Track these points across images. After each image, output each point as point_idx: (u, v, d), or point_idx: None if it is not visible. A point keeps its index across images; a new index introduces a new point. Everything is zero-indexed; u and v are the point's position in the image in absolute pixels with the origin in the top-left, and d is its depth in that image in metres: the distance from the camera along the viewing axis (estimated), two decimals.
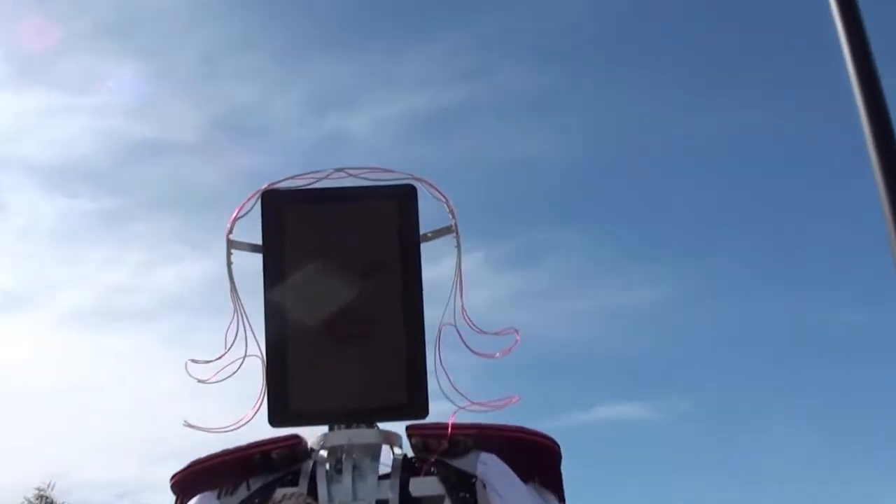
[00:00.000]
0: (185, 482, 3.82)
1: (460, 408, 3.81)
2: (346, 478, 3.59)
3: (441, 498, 3.54)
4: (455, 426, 3.71)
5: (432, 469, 3.66)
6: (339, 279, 3.84)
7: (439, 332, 3.88)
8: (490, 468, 3.58)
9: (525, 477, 3.67)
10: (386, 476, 3.69)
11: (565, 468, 3.80)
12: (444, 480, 3.59)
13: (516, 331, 3.86)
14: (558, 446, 3.80)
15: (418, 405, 3.75)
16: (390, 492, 3.57)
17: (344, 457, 3.70)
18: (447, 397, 3.81)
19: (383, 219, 3.92)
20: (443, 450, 3.68)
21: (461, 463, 3.63)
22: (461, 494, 3.54)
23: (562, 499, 3.79)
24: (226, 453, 3.77)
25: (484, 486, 3.52)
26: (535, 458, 3.74)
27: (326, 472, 3.64)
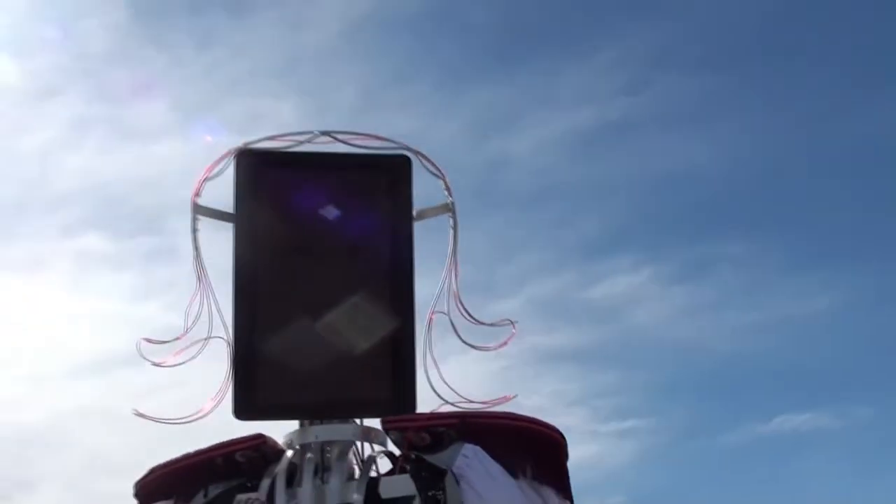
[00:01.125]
0: (146, 489, 3.37)
1: (447, 402, 3.43)
2: (307, 481, 3.17)
3: (412, 498, 3.15)
4: (434, 415, 3.32)
5: (406, 466, 3.27)
6: (319, 256, 3.41)
7: (430, 319, 3.48)
8: (470, 462, 3.20)
9: (516, 470, 3.30)
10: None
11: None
12: (415, 478, 3.20)
13: (512, 322, 3.50)
14: (561, 436, 3.44)
15: (404, 399, 3.34)
16: (355, 494, 3.16)
17: (310, 456, 3.28)
18: (436, 392, 3.42)
19: (373, 191, 3.50)
20: (424, 444, 3.29)
21: (440, 457, 3.24)
22: (430, 493, 3.16)
23: (567, 496, 3.44)
24: (186, 457, 3.32)
25: (458, 481, 3.14)
26: (530, 448, 3.37)
27: (288, 474, 3.22)
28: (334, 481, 3.18)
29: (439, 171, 3.56)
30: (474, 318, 3.50)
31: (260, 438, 3.30)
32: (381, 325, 3.35)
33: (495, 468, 3.20)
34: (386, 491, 3.19)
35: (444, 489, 3.15)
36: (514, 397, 3.44)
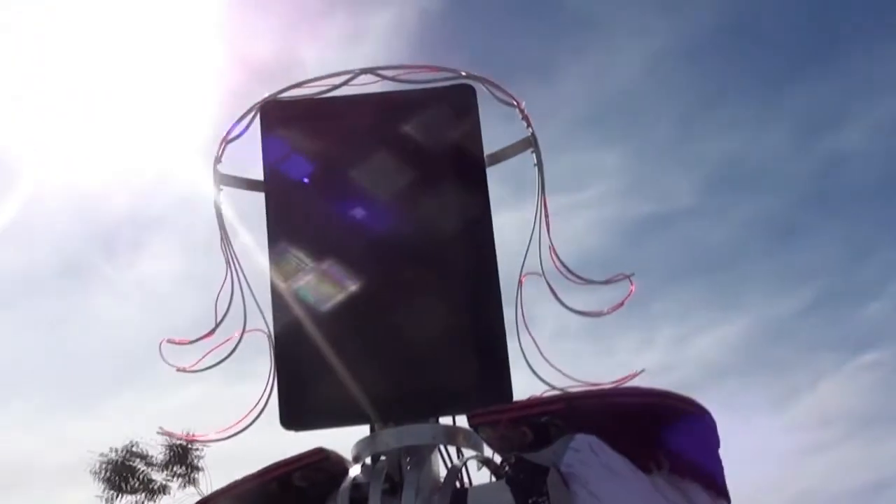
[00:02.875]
0: None
1: (553, 388, 2.65)
2: (375, 500, 2.40)
3: None
4: (532, 401, 2.53)
5: (505, 469, 2.48)
6: (373, 219, 2.71)
7: (520, 284, 2.72)
8: (582, 456, 2.37)
9: (647, 462, 2.47)
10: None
11: None
12: (512, 483, 2.40)
13: (629, 277, 2.71)
14: (707, 414, 2.58)
15: (495, 387, 2.57)
16: None
17: (378, 467, 2.54)
18: (536, 375, 2.64)
19: (433, 133, 2.78)
20: (525, 441, 2.50)
21: (543, 454, 2.43)
22: (532, 500, 2.34)
23: (720, 491, 2.57)
24: (231, 487, 2.62)
25: (566, 482, 2.33)
26: (664, 433, 2.52)
27: (356, 493, 2.47)
28: (408, 496, 2.41)
29: (513, 98, 2.83)
30: (579, 277, 2.72)
31: (320, 454, 2.57)
32: (459, 299, 2.62)
33: (617, 462, 2.38)
34: (477, 503, 2.42)
35: (547, 494, 2.35)
36: (641, 373, 2.63)
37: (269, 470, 2.65)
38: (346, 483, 2.48)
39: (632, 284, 2.70)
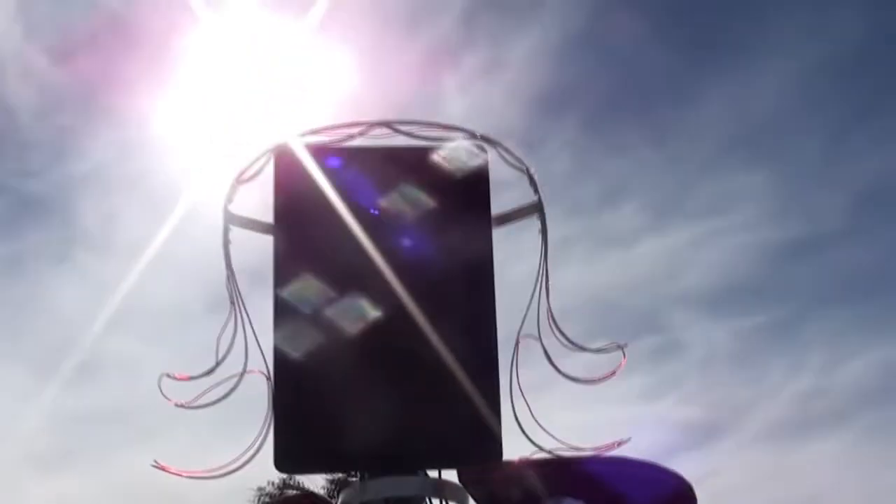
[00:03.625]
0: None
1: (543, 450, 2.72)
2: None
3: None
4: (524, 463, 2.62)
5: None
6: (377, 273, 2.77)
7: (517, 346, 2.80)
8: None
9: None
10: None
11: None
12: None
13: (621, 347, 2.79)
14: (689, 488, 2.70)
15: (487, 445, 2.65)
16: None
17: None
18: (527, 437, 2.72)
19: (442, 189, 2.85)
20: (513, 501, 2.59)
21: None
22: None
23: None
24: None
25: None
26: (652, 501, 2.63)
27: None
28: None
29: (522, 163, 2.91)
30: (574, 343, 2.80)
31: (309, 499, 2.64)
32: (456, 357, 2.68)
33: None
34: None
35: None
36: (627, 441, 2.72)
37: None
38: None
39: (624, 356, 2.78)
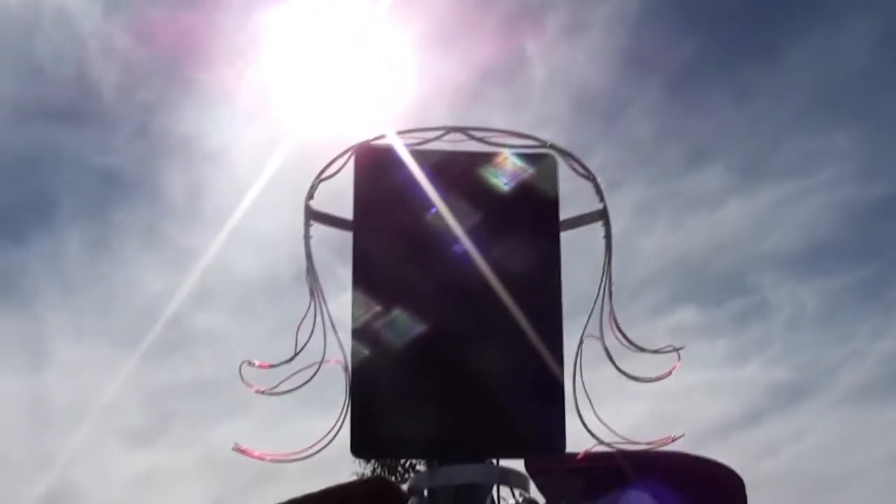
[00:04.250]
0: None
1: (603, 443, 2.88)
2: None
3: None
4: (589, 455, 2.78)
5: None
6: (452, 271, 2.92)
7: (580, 345, 2.95)
8: None
9: None
10: None
11: None
12: None
13: (677, 350, 2.95)
14: (741, 484, 2.86)
15: (551, 437, 2.81)
16: None
17: (442, 502, 2.76)
18: (588, 431, 2.87)
19: (514, 193, 3.01)
20: (576, 491, 2.74)
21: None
22: None
23: None
24: (304, 500, 2.82)
25: None
26: (708, 495, 2.79)
27: None
28: None
29: (589, 172, 3.06)
30: (635, 345, 2.95)
31: (381, 482, 2.80)
32: (525, 353, 2.84)
33: None
34: None
35: None
36: (680, 437, 2.87)
37: (329, 492, 2.86)
38: None
39: (679, 359, 2.94)
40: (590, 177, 3.05)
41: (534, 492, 2.85)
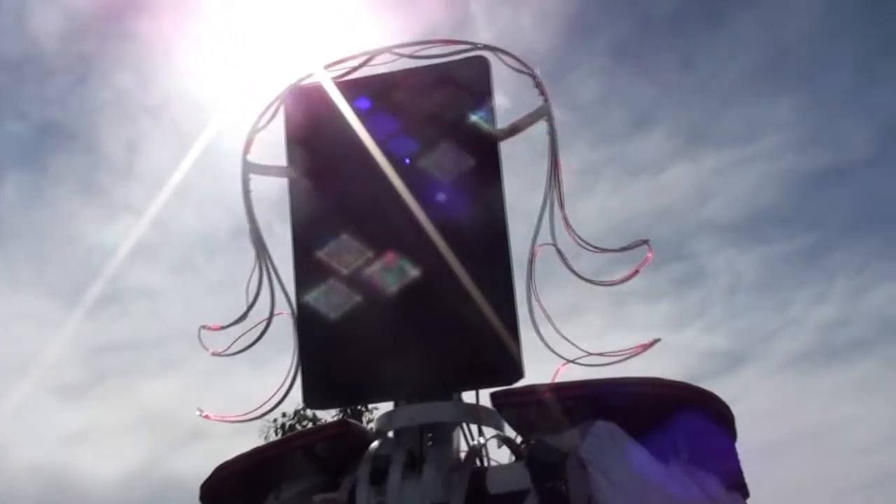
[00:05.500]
0: (211, 492, 2.81)
1: (570, 362, 2.60)
2: (396, 475, 2.45)
3: (527, 493, 2.34)
4: (557, 386, 2.50)
5: (526, 451, 2.48)
6: (392, 204, 2.73)
7: (532, 256, 2.67)
8: (602, 442, 2.33)
9: (666, 451, 2.39)
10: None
11: None
12: (531, 466, 2.39)
13: (646, 242, 2.61)
14: (725, 408, 2.50)
15: (506, 365, 2.56)
16: (454, 492, 2.40)
17: (401, 442, 2.59)
18: (548, 347, 2.60)
19: (447, 108, 2.76)
20: (547, 423, 2.48)
21: (564, 439, 2.41)
22: (549, 484, 2.33)
23: (735, 485, 2.48)
24: (256, 452, 2.74)
25: (585, 467, 2.29)
26: (684, 424, 2.44)
27: (378, 468, 2.52)
28: (428, 474, 2.45)
29: (526, 66, 2.76)
30: (594, 246, 2.64)
31: (343, 426, 2.66)
32: (472, 279, 2.60)
33: (634, 450, 2.33)
34: (494, 484, 2.44)
35: (565, 478, 2.33)
36: (657, 342, 2.54)
37: (292, 438, 2.76)
38: (368, 455, 2.55)
39: (650, 250, 2.59)
40: (527, 71, 2.76)
41: (508, 429, 2.62)
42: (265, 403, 2.72)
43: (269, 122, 2.90)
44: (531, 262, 2.65)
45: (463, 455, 2.61)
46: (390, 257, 2.68)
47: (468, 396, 2.66)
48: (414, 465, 2.55)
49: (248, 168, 2.90)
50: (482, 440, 2.61)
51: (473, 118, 2.72)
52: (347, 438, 2.66)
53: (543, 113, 2.74)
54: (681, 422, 2.42)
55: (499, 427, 2.63)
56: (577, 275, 2.63)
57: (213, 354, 2.81)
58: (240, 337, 2.80)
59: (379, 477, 2.49)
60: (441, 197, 2.69)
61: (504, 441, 2.62)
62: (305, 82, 2.90)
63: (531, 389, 2.49)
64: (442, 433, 2.61)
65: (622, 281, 2.62)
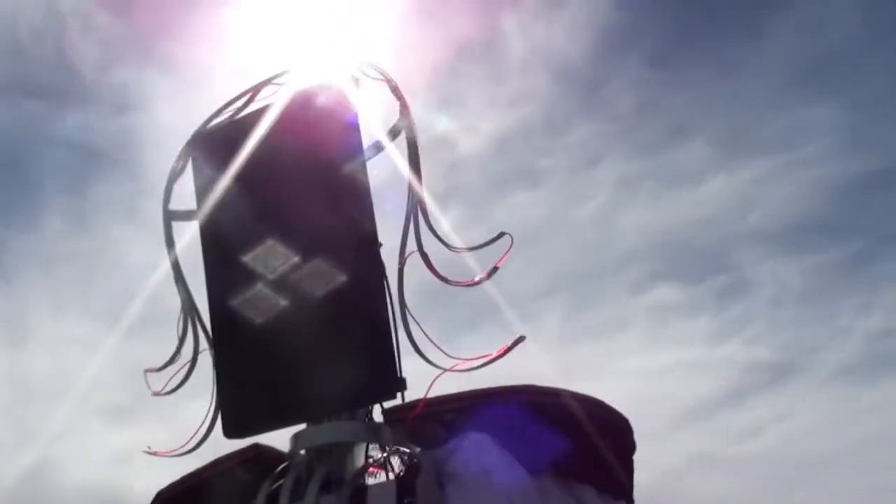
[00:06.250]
0: None
1: (446, 370, 2.57)
2: (285, 492, 2.55)
3: None
4: (436, 400, 2.50)
5: (397, 467, 2.51)
6: (281, 234, 2.79)
7: (402, 266, 2.66)
8: (465, 457, 2.31)
9: (538, 463, 2.33)
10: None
11: None
12: (398, 481, 2.41)
13: (506, 234, 2.54)
14: (617, 418, 2.41)
15: (383, 381, 2.57)
16: None
17: (297, 462, 2.68)
18: (421, 355, 2.59)
19: (315, 135, 2.80)
20: (436, 437, 2.49)
21: (436, 453, 2.41)
22: (406, 501, 2.33)
23: (621, 494, 2.38)
24: (194, 475, 2.91)
25: (441, 484, 2.28)
26: (558, 434, 2.37)
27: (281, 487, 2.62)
28: (311, 489, 2.53)
29: (384, 74, 2.75)
30: (455, 247, 2.60)
31: (253, 451, 2.77)
32: (353, 307, 2.66)
33: (499, 462, 2.30)
34: (373, 501, 2.48)
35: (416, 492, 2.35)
36: (522, 340, 2.47)
37: (213, 465, 2.89)
38: (290, 479, 2.64)
39: (511, 243, 2.52)
40: (384, 78, 2.75)
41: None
42: (192, 438, 2.88)
43: (181, 170, 3.05)
44: (401, 271, 2.64)
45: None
46: (283, 295, 2.76)
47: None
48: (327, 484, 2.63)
49: (169, 216, 3.07)
50: (379, 456, 2.64)
51: (339, 138, 2.75)
52: (260, 460, 2.77)
53: (402, 126, 2.72)
54: (556, 432, 2.37)
55: (398, 442, 2.65)
56: (439, 277, 2.60)
57: (155, 394, 3.00)
58: (173, 375, 2.98)
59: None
60: (321, 227, 2.74)
61: (401, 456, 2.64)
62: (208, 127, 3.02)
63: (413, 404, 2.51)
64: (343, 451, 2.67)
65: (482, 280, 2.55)
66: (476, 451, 2.31)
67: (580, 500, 2.33)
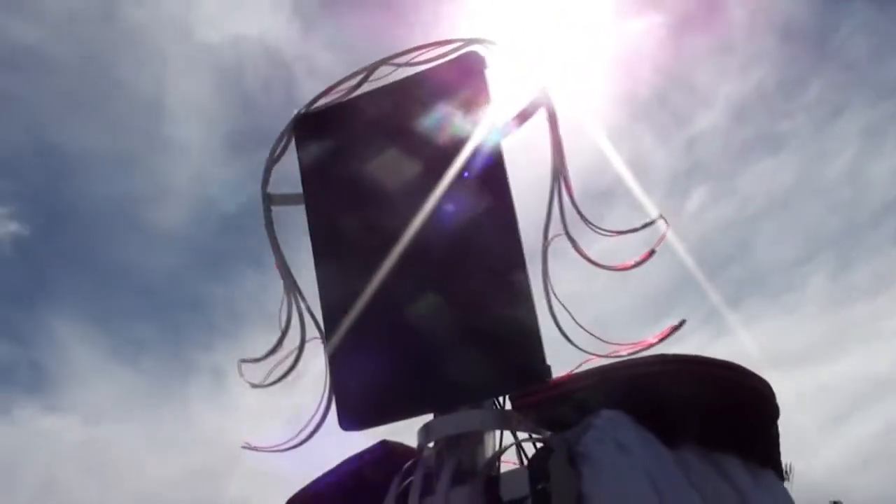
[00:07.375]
0: None
1: (595, 356, 2.47)
2: (415, 490, 2.41)
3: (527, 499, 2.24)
4: (567, 379, 2.39)
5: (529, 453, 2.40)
6: (401, 217, 2.68)
7: (545, 249, 2.57)
8: (599, 434, 2.19)
9: (677, 436, 2.23)
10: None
11: None
12: (529, 468, 2.30)
13: (662, 218, 2.46)
14: (760, 384, 2.31)
15: (531, 366, 2.45)
16: (467, 500, 2.32)
17: (445, 454, 2.53)
18: (570, 342, 2.49)
19: (445, 111, 2.70)
20: (567, 420, 2.38)
21: (568, 435, 2.29)
22: (539, 487, 2.21)
23: (771, 465, 2.30)
24: (319, 481, 2.75)
25: (576, 463, 2.15)
26: (707, 403, 2.27)
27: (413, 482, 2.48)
28: (442, 482, 2.39)
29: (523, 57, 2.67)
30: (607, 230, 2.51)
31: (381, 449, 2.63)
32: (489, 286, 2.53)
33: (636, 438, 2.18)
34: (506, 491, 2.37)
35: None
36: (682, 325, 2.38)
37: (339, 469, 2.74)
38: (419, 474, 2.49)
39: (667, 226, 2.44)
40: (524, 61, 2.67)
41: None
42: (302, 430, 2.71)
43: (282, 152, 2.92)
44: (545, 255, 2.55)
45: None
46: (412, 276, 2.64)
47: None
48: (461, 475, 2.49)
49: (268, 200, 2.93)
50: (509, 443, 2.53)
51: (472, 115, 2.65)
52: (389, 457, 2.63)
53: (545, 100, 2.64)
54: (702, 400, 2.26)
55: (531, 429, 2.54)
56: (591, 262, 2.51)
57: (253, 387, 2.83)
58: (276, 366, 2.82)
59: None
60: (452, 208, 2.62)
61: (532, 441, 2.53)
62: (310, 109, 2.90)
63: (541, 387, 2.40)
64: (474, 442, 2.54)
65: (635, 265, 2.47)
66: (610, 429, 2.20)
67: (723, 471, 2.22)
